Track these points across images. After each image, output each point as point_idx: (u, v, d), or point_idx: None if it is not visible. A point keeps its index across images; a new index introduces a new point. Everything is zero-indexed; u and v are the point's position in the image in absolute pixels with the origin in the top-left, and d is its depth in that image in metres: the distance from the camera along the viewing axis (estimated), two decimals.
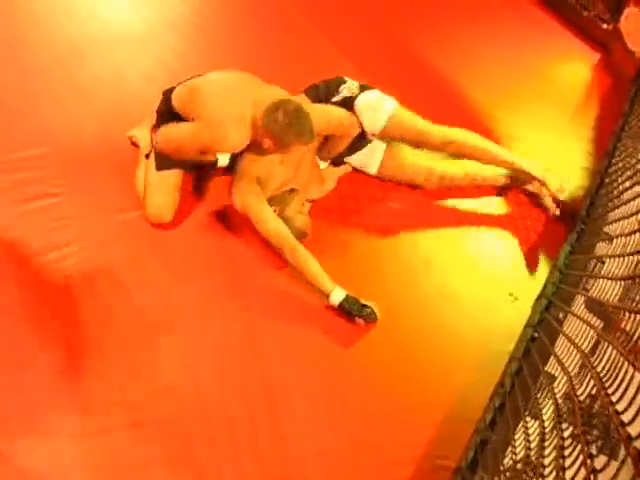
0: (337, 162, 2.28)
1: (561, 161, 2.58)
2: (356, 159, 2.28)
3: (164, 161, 1.99)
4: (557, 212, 2.34)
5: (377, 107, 2.12)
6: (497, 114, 2.69)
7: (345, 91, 2.15)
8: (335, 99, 2.14)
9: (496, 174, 2.38)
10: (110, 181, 2.08)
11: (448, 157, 2.29)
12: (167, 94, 2.01)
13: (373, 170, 2.30)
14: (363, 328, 1.89)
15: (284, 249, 1.90)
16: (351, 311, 1.87)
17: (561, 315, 1.91)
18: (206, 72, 2.02)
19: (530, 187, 2.39)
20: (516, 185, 2.41)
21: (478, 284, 2.12)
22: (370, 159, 2.28)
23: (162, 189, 1.99)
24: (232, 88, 1.93)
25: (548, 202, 2.35)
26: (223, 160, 1.95)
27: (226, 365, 1.75)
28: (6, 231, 1.89)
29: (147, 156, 2.08)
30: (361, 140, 2.21)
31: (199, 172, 2.16)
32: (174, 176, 2.01)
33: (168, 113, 1.99)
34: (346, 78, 2.21)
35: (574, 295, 1.96)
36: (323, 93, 2.16)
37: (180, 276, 1.91)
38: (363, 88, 2.17)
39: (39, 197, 1.99)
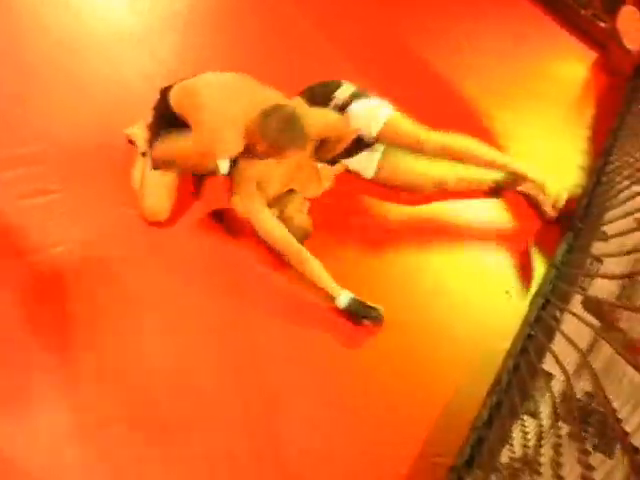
0: (333, 163, 2.26)
1: (557, 159, 2.58)
2: (353, 162, 2.27)
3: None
4: (554, 215, 2.32)
5: (370, 115, 2.13)
6: (493, 112, 2.69)
7: (338, 98, 2.15)
8: (330, 105, 2.15)
9: (493, 178, 2.36)
10: (107, 178, 2.07)
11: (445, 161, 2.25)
12: (164, 92, 2.00)
13: (369, 174, 2.29)
14: (360, 329, 1.88)
15: (289, 255, 1.91)
16: (358, 313, 1.87)
17: (558, 313, 1.92)
18: (203, 71, 2.01)
19: (527, 189, 2.37)
20: (513, 188, 2.38)
21: (474, 282, 2.12)
22: (367, 163, 2.28)
23: (158, 188, 1.98)
24: (228, 90, 1.92)
25: (545, 205, 2.32)
26: (223, 167, 1.91)
27: (225, 365, 1.74)
28: (3, 227, 1.87)
29: (144, 154, 2.07)
30: (358, 144, 2.20)
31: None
32: (170, 175, 2.01)
33: (165, 112, 1.98)
34: (343, 82, 2.20)
35: (571, 293, 1.96)
36: (319, 96, 2.16)
37: (179, 275, 1.90)
38: (357, 96, 2.16)
39: (37, 194, 1.97)
